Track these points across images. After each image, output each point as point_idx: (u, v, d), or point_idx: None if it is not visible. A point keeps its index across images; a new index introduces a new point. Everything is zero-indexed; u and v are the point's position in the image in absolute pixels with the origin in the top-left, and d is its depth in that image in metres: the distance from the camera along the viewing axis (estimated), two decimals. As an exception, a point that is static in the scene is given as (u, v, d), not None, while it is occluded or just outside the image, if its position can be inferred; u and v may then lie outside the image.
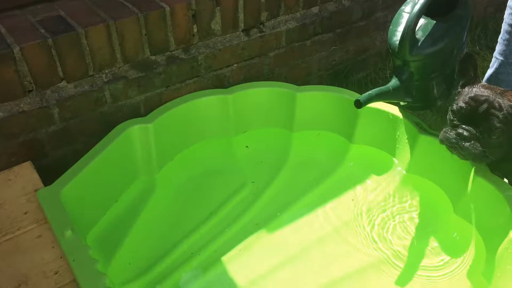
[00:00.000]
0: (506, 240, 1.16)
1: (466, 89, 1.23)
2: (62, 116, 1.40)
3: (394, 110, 1.59)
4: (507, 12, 1.62)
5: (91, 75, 1.41)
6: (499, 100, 1.15)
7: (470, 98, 1.19)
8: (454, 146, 1.21)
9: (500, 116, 1.14)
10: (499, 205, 1.25)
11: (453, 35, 1.34)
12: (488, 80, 1.73)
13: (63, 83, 1.37)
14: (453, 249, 1.37)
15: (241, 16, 1.62)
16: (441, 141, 1.24)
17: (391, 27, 1.41)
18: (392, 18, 1.53)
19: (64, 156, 1.47)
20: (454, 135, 1.20)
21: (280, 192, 1.57)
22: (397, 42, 1.33)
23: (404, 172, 1.57)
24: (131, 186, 1.51)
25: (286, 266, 1.35)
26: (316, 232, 1.44)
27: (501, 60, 1.66)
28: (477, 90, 1.20)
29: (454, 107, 1.22)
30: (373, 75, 2.16)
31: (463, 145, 1.19)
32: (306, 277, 1.33)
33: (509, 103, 1.15)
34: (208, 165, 1.66)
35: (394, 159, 1.62)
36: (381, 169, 1.62)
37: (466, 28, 1.38)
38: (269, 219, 1.48)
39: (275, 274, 1.33)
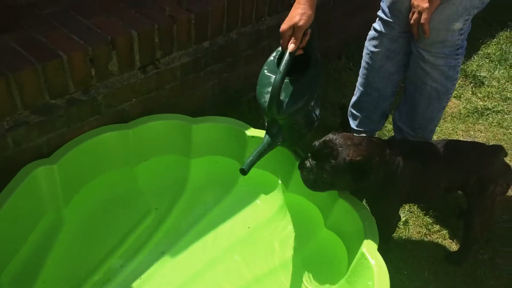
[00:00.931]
0: (359, 252, 1.48)
1: (331, 134, 1.51)
2: (-36, 165, 1.46)
3: (276, 138, 1.84)
4: (364, 51, 1.94)
5: (-9, 124, 1.48)
6: (341, 150, 1.44)
7: (323, 141, 1.48)
8: (299, 170, 1.52)
9: (332, 163, 1.44)
10: (355, 221, 1.56)
11: (310, 92, 1.57)
12: (353, 106, 2.06)
13: (-36, 135, 1.43)
14: (324, 256, 1.68)
15: (136, 56, 1.75)
16: (298, 166, 1.54)
17: (258, 87, 1.60)
18: (275, 46, 1.79)
19: (-31, 203, 1.52)
20: (302, 164, 1.51)
21: (181, 217, 1.77)
22: (266, 104, 1.51)
23: (286, 191, 1.85)
24: (39, 224, 1.60)
25: (190, 285, 1.56)
26: (214, 251, 1.67)
27: (361, 90, 1.99)
28: (334, 137, 1.48)
29: (313, 143, 1.51)
30: (262, 94, 2.41)
31: (302, 172, 1.51)
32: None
33: (347, 157, 1.43)
34: (113, 195, 1.79)
35: (278, 180, 1.88)
36: (268, 189, 1.89)
37: (319, 85, 1.61)
38: (172, 244, 1.67)
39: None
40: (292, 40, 1.46)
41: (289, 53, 1.46)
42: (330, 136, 1.50)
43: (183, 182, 1.88)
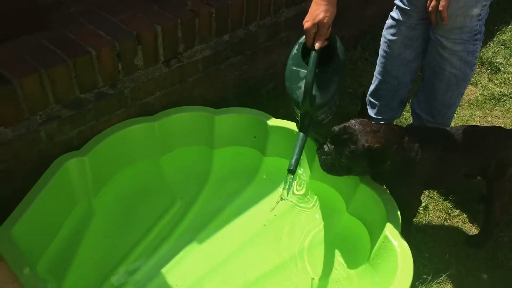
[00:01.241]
0: (382, 235, 1.52)
1: (351, 120, 1.55)
2: (2, 158, 1.53)
3: (296, 128, 1.88)
4: (382, 39, 1.97)
5: (26, 119, 1.54)
6: (359, 137, 1.48)
7: (343, 126, 1.52)
8: (317, 154, 1.56)
9: (350, 148, 1.48)
10: (377, 206, 1.61)
11: (337, 81, 1.64)
12: (371, 94, 2.10)
13: (1, 129, 1.49)
14: (346, 241, 1.72)
15: (160, 50, 1.81)
16: (316, 150, 1.58)
17: (287, 83, 1.65)
18: (294, 37, 1.80)
19: (4, 195, 1.59)
20: (321, 148, 1.55)
21: (206, 205, 1.83)
22: (299, 99, 1.58)
23: (307, 179, 1.89)
24: (72, 213, 1.67)
25: (217, 270, 1.62)
26: (239, 238, 1.72)
27: (380, 79, 2.02)
28: (353, 123, 1.52)
29: (333, 128, 1.55)
30: (280, 86, 2.44)
31: (321, 156, 1.54)
32: (235, 277, 1.61)
33: (366, 143, 1.47)
34: (140, 185, 1.86)
35: (299, 168, 1.93)
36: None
37: (343, 72, 1.68)
38: (199, 230, 1.73)
39: (209, 278, 1.59)
40: (318, 38, 1.50)
41: (316, 49, 1.51)
42: (350, 122, 1.53)
43: (207, 172, 1.94)
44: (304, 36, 1.61)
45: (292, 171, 1.57)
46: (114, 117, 1.79)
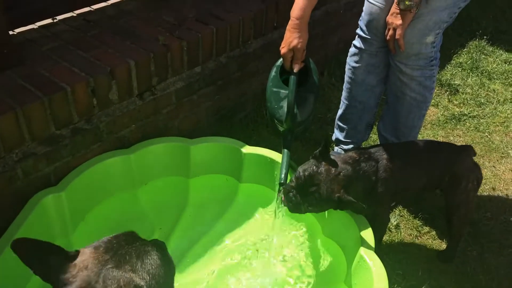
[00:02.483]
0: (357, 255, 1.58)
1: (312, 165, 1.56)
2: (-23, 198, 1.52)
3: (271, 154, 1.94)
4: (347, 66, 2.07)
5: (2, 157, 1.54)
6: (323, 187, 1.51)
7: (307, 174, 1.53)
8: (283, 198, 1.60)
9: (316, 198, 1.51)
10: (351, 227, 1.67)
11: (313, 99, 1.81)
12: (339, 119, 2.18)
13: (-24, 168, 1.49)
14: (323, 262, 1.77)
15: (134, 84, 1.85)
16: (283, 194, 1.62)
17: (269, 104, 1.81)
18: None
19: (-18, 233, 1.58)
20: (285, 194, 1.58)
21: (184, 234, 1.85)
22: (282, 118, 1.74)
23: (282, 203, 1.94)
24: (49, 249, 1.66)
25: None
26: (218, 265, 1.75)
27: (346, 103, 2.12)
28: (315, 169, 1.53)
29: (297, 171, 1.57)
30: (251, 113, 2.52)
31: (286, 201, 1.59)
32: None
33: (331, 193, 1.50)
34: (118, 217, 1.86)
35: (275, 193, 1.97)
36: (265, 203, 1.98)
37: (318, 90, 1.87)
38: (178, 261, 1.74)
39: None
40: (295, 61, 1.70)
41: (295, 72, 1.70)
42: (312, 168, 1.55)
43: (184, 201, 1.97)
44: (280, 60, 1.81)
45: (283, 184, 1.68)
46: (90, 151, 1.81)
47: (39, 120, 1.59)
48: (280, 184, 1.69)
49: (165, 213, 1.92)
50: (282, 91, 1.78)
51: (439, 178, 1.75)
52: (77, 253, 1.01)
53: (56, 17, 1.99)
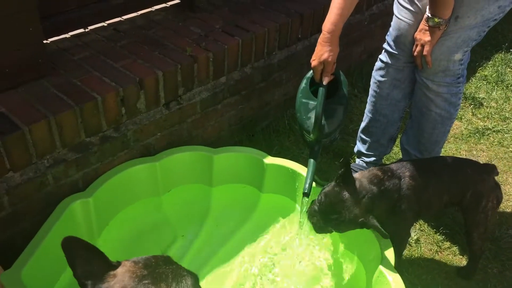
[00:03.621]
0: (377, 270, 1.59)
1: (333, 188, 1.58)
2: (11, 202, 1.58)
3: (293, 165, 1.97)
4: (372, 80, 2.08)
5: (34, 163, 1.60)
6: (345, 212, 1.53)
7: (328, 201, 1.56)
8: (308, 218, 1.64)
9: (338, 221, 1.55)
10: (371, 241, 1.68)
11: (342, 111, 1.83)
12: (362, 131, 2.19)
13: (10, 173, 1.55)
14: (343, 274, 1.79)
15: (161, 94, 1.90)
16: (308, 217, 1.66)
17: (298, 114, 1.83)
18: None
19: (13, 237, 1.64)
20: (311, 216, 1.62)
21: (206, 242, 1.88)
22: (310, 129, 1.76)
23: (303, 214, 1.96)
24: (76, 253, 1.71)
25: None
26: (240, 274, 1.78)
27: (370, 117, 2.12)
28: (336, 195, 1.56)
29: (318, 196, 1.61)
30: (274, 123, 2.55)
31: (311, 220, 1.63)
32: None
33: (354, 217, 1.53)
34: (141, 224, 1.91)
35: (296, 204, 2.00)
36: (286, 213, 2.01)
37: (347, 102, 1.87)
38: (200, 267, 1.78)
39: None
40: (325, 74, 1.73)
41: (324, 84, 1.73)
42: (333, 195, 1.56)
43: (206, 209, 2.00)
44: (310, 72, 1.83)
45: (307, 194, 1.71)
46: (117, 158, 1.86)
47: (70, 128, 1.65)
48: (304, 194, 1.71)
49: (188, 220, 1.95)
50: (311, 102, 1.81)
51: (460, 196, 1.75)
52: (118, 264, 1.04)
53: (88, 26, 2.06)
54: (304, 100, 1.83)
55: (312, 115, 1.77)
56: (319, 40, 1.71)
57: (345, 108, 1.85)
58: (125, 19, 2.17)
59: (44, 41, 1.87)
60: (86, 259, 1.01)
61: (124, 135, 1.84)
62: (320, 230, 1.64)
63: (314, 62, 1.73)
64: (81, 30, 2.05)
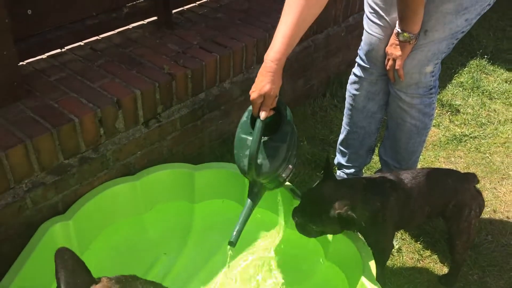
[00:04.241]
0: (359, 282, 1.61)
1: (316, 184, 1.65)
2: (-12, 228, 1.57)
3: (273, 179, 1.98)
4: (347, 93, 2.12)
5: (12, 188, 1.59)
6: (327, 205, 1.58)
7: (310, 194, 1.61)
8: (293, 220, 1.67)
9: (320, 217, 1.59)
10: (353, 252, 1.70)
11: (284, 150, 1.62)
12: (341, 144, 2.22)
13: (-13, 199, 1.54)
14: (325, 286, 1.80)
15: (140, 112, 1.90)
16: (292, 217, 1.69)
17: (235, 150, 1.66)
18: None
19: (-8, 262, 1.62)
20: (294, 217, 1.66)
21: (190, 259, 1.88)
22: (245, 168, 1.58)
23: (286, 228, 1.98)
24: (57, 277, 1.70)
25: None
26: (223, 290, 1.78)
27: (348, 129, 2.15)
28: (316, 190, 1.62)
29: (303, 193, 1.65)
30: (255, 136, 2.56)
31: (295, 224, 1.66)
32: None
33: (334, 211, 1.56)
34: (123, 243, 1.90)
35: (278, 218, 2.02)
36: (269, 227, 2.02)
37: (293, 140, 1.66)
38: (184, 285, 1.78)
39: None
40: (263, 108, 1.52)
41: (261, 120, 1.53)
42: (314, 190, 1.63)
43: (189, 226, 2.00)
44: None
45: (232, 244, 1.58)
46: (97, 179, 1.85)
47: (48, 151, 1.64)
48: (229, 243, 1.58)
49: (170, 238, 1.95)
50: (249, 138, 1.61)
51: (442, 207, 1.78)
52: (99, 280, 1.10)
53: (64, 47, 2.05)
54: (242, 136, 1.65)
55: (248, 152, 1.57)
56: (261, 70, 1.52)
57: (289, 146, 1.63)
58: (102, 37, 2.17)
59: (19, 63, 1.86)
60: (73, 272, 1.06)
61: (103, 156, 1.83)
62: (302, 229, 1.64)
63: (253, 94, 1.52)
64: (58, 50, 2.04)
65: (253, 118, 1.60)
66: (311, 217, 1.62)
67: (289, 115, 1.66)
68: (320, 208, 1.59)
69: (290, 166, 1.70)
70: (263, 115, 1.53)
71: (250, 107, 1.64)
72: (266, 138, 1.62)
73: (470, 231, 1.80)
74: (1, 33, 1.58)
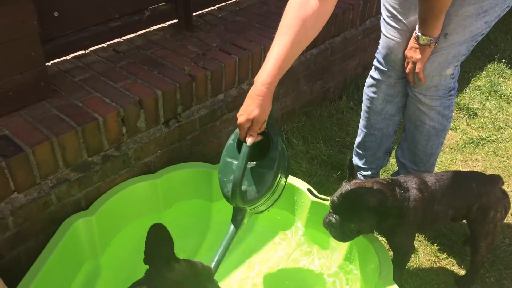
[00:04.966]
0: (375, 282, 1.62)
1: (344, 185, 1.66)
2: (15, 222, 1.62)
3: (290, 179, 2.00)
4: (364, 96, 2.13)
5: (38, 183, 1.64)
6: (361, 199, 1.59)
7: (341, 194, 1.61)
8: (326, 229, 1.66)
9: (356, 212, 1.59)
10: (370, 253, 1.71)
11: (272, 176, 1.54)
12: (358, 146, 2.24)
13: (15, 194, 1.59)
14: (342, 287, 1.82)
15: (161, 112, 1.94)
16: (323, 225, 1.68)
17: (220, 175, 1.58)
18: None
19: (18, 255, 1.67)
20: (327, 221, 1.65)
21: (207, 257, 1.90)
22: (229, 194, 1.50)
23: (303, 227, 2.00)
24: (80, 271, 1.75)
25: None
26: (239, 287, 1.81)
27: (365, 132, 2.17)
28: (349, 188, 1.62)
29: (330, 198, 1.65)
30: (272, 137, 2.59)
31: (330, 229, 1.65)
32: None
33: (371, 204, 1.58)
34: (143, 240, 1.93)
35: (295, 217, 2.04)
36: (285, 226, 2.04)
37: (281, 166, 1.59)
38: (202, 283, 1.81)
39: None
40: (250, 133, 1.45)
41: (248, 145, 1.45)
42: (345, 187, 1.63)
43: (207, 225, 2.03)
44: None
45: (212, 276, 1.49)
46: (119, 176, 1.90)
47: (73, 148, 1.69)
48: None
49: (189, 236, 1.98)
50: (235, 162, 1.54)
51: (466, 210, 1.78)
52: (178, 259, 1.36)
53: (88, 48, 2.11)
54: (228, 159, 1.58)
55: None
56: (250, 92, 1.45)
57: (276, 174, 1.56)
58: (124, 39, 2.22)
59: (46, 64, 1.92)
60: (160, 242, 1.34)
61: (125, 154, 1.88)
62: (343, 237, 1.62)
63: (241, 118, 1.44)
64: (82, 52, 2.10)
65: (240, 142, 1.53)
66: (347, 215, 1.61)
67: (278, 140, 1.58)
68: (357, 204, 1.60)
69: (283, 186, 1.65)
70: (249, 140, 1.45)
71: (237, 130, 1.55)
72: (253, 163, 1.56)
73: (495, 233, 1.80)
74: (29, 35, 1.64)
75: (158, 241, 1.32)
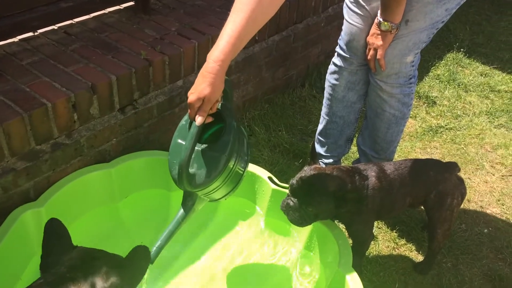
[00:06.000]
0: (335, 270, 1.61)
1: (304, 169, 1.64)
2: (-45, 215, 1.51)
3: (251, 167, 1.97)
4: (326, 83, 2.11)
5: (-20, 173, 1.54)
6: (320, 183, 1.58)
7: (300, 178, 1.60)
8: (284, 212, 1.64)
9: (315, 196, 1.58)
10: (330, 240, 1.70)
11: (224, 160, 1.44)
12: (320, 134, 2.22)
13: (-46, 185, 1.48)
14: (302, 274, 1.80)
15: (116, 98, 1.86)
16: (281, 208, 1.66)
17: (169, 157, 1.49)
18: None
19: (-40, 250, 1.56)
20: (285, 205, 1.63)
21: (166, 248, 1.85)
22: (176, 176, 1.40)
23: (264, 216, 1.97)
24: (29, 264, 1.66)
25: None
26: (200, 280, 1.76)
27: (327, 119, 2.15)
28: (308, 171, 1.61)
29: (290, 182, 1.62)
30: (233, 125, 2.54)
31: (288, 213, 1.62)
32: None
33: (329, 188, 1.57)
34: (98, 232, 1.86)
35: (255, 206, 2.01)
36: (246, 215, 2.01)
37: (236, 151, 1.48)
38: (159, 276, 1.75)
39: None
40: (200, 113, 1.36)
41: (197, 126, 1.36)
42: (305, 171, 1.62)
43: (165, 215, 1.97)
44: None
45: (151, 262, 1.43)
46: (70, 166, 1.81)
47: (19, 136, 1.58)
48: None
49: (146, 226, 1.92)
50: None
51: (423, 197, 1.79)
52: (77, 247, 1.36)
53: (37, 30, 1.99)
54: (179, 141, 1.50)
55: None
56: (202, 70, 1.36)
57: (229, 158, 1.45)
58: (76, 22, 2.11)
59: (-10, 46, 1.80)
60: (59, 236, 1.34)
61: (77, 142, 1.79)
62: (300, 221, 1.61)
63: (191, 96, 1.36)
64: (30, 34, 1.97)
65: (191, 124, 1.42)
66: (305, 199, 1.59)
67: (233, 124, 1.48)
68: (315, 188, 1.58)
69: (241, 170, 1.56)
70: (199, 120, 1.36)
71: None
72: (204, 146, 1.48)
73: (452, 219, 1.82)
74: (-31, 13, 1.52)
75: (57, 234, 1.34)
